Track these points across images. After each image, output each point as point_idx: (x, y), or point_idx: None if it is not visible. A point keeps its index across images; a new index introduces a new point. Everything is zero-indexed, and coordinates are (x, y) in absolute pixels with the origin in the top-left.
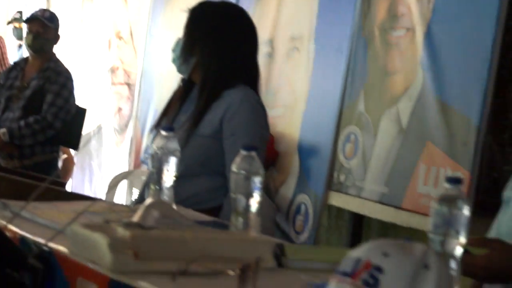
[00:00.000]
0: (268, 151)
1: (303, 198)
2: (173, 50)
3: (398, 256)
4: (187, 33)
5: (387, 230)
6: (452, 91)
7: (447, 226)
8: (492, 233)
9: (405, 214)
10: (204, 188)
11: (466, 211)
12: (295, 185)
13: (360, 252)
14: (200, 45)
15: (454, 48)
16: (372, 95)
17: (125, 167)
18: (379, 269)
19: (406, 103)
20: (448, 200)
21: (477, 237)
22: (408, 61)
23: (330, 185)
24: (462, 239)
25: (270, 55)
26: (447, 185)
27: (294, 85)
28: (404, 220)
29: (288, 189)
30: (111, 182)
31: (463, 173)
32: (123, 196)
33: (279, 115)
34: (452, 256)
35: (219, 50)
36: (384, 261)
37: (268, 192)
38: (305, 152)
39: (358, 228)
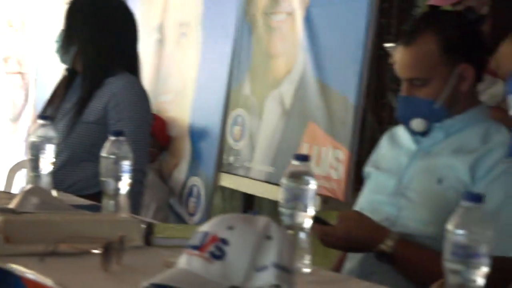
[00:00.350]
0: (161, 136)
1: (195, 180)
2: (57, 41)
3: (242, 229)
4: (66, 23)
5: (276, 208)
6: (331, 73)
7: (296, 200)
8: (356, 207)
9: None
10: (90, 174)
11: (312, 186)
12: (187, 168)
13: (208, 226)
14: (79, 34)
15: (332, 31)
16: (257, 78)
17: (21, 156)
18: (224, 241)
19: (289, 85)
20: (296, 176)
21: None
22: (289, 45)
23: (220, 167)
24: (310, 212)
25: (160, 42)
26: (295, 162)
27: (183, 70)
28: None
29: (180, 172)
30: (9, 172)
31: (343, 151)
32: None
33: (170, 100)
34: (302, 228)
35: (97, 39)
36: (229, 234)
37: (162, 176)
38: (196, 135)
39: (250, 207)
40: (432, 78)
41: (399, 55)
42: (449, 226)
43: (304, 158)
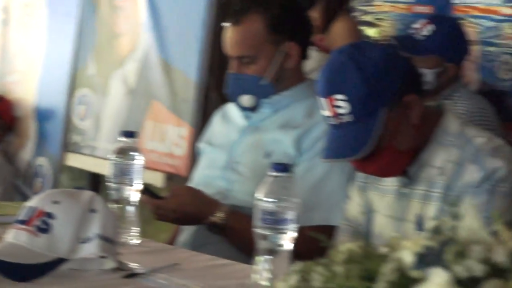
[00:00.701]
0: (6, 116)
1: (41, 160)
2: None
3: (67, 203)
4: None
5: None
6: (174, 51)
7: (123, 175)
8: (191, 183)
9: None
10: None
11: (138, 161)
12: (33, 149)
13: (34, 201)
14: None
15: (174, 11)
16: (101, 57)
17: None
18: (50, 215)
19: (133, 64)
20: (123, 152)
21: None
22: (133, 24)
23: (67, 146)
24: (136, 186)
25: (5, 22)
26: (122, 138)
27: (29, 51)
28: None
29: (26, 153)
30: None
31: (187, 128)
32: None
33: (16, 81)
34: (129, 201)
35: None
36: (55, 208)
37: (7, 157)
38: (42, 116)
39: (97, 186)
40: (259, 55)
41: (227, 34)
42: (259, 195)
43: (130, 134)
